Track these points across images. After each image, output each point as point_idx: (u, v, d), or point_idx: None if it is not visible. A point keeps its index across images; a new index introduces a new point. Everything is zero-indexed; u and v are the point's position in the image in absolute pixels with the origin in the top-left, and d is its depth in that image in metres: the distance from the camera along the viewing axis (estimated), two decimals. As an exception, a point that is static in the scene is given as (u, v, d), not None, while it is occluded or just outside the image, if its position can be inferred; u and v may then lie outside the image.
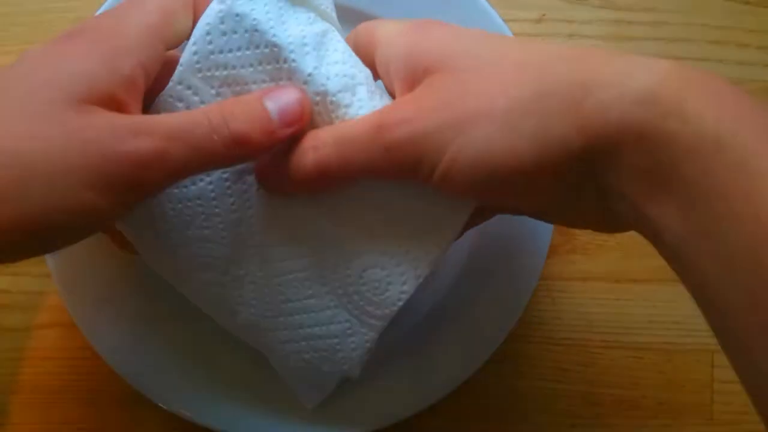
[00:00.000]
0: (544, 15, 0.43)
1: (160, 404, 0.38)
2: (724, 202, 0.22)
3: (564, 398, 0.42)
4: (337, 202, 0.31)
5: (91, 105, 0.26)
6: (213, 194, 0.32)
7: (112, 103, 0.27)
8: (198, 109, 0.28)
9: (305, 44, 0.30)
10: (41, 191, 0.24)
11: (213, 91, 0.30)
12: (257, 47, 0.30)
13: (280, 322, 0.34)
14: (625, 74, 0.25)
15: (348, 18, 0.35)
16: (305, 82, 0.30)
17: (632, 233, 0.27)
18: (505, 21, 0.39)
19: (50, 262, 0.38)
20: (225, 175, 0.32)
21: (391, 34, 0.30)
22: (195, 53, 0.30)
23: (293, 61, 0.30)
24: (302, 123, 0.29)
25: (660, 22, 0.44)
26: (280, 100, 0.29)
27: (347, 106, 0.30)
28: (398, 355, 0.39)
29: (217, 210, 0.32)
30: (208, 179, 0.32)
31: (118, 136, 0.25)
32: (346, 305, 0.33)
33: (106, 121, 0.26)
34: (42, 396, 0.42)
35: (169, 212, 0.32)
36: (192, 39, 0.30)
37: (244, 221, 0.32)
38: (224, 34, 0.30)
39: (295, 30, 0.30)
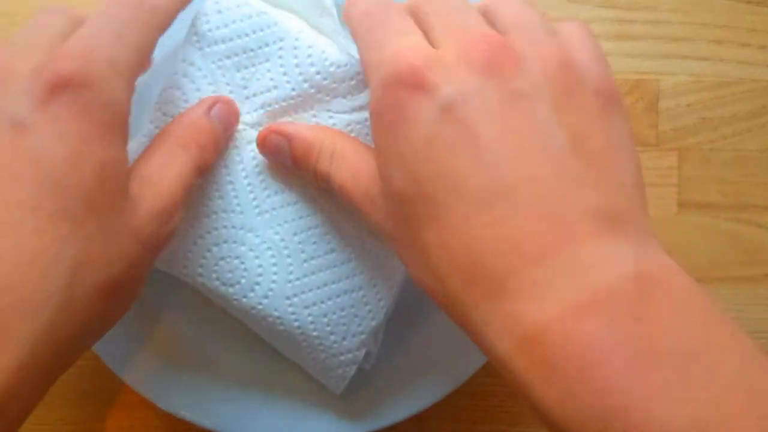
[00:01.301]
0: (544, 14, 0.43)
1: (160, 405, 0.38)
2: None
3: (564, 398, 0.42)
4: None
5: (129, 192, 0.28)
6: (223, 162, 0.33)
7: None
8: (173, 147, 0.31)
9: (291, 10, 0.34)
10: (135, 283, 0.30)
11: (214, 65, 0.33)
12: (250, 17, 0.33)
13: (304, 284, 0.34)
14: (519, 311, 0.23)
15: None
16: (297, 38, 0.32)
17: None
18: (506, 20, 0.39)
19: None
20: (233, 143, 0.33)
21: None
22: (195, 33, 0.33)
23: (282, 22, 0.33)
24: (234, 124, 0.33)
25: (661, 21, 0.44)
26: (221, 113, 0.33)
27: (342, 52, 0.32)
28: (398, 355, 0.39)
29: (229, 178, 0.33)
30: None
31: (162, 223, 0.30)
32: (368, 252, 0.34)
33: (148, 216, 0.29)
34: (42, 396, 0.42)
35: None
36: (192, 22, 0.33)
37: (254, 186, 0.33)
38: (219, 12, 0.33)
39: (279, 5, 0.34)
